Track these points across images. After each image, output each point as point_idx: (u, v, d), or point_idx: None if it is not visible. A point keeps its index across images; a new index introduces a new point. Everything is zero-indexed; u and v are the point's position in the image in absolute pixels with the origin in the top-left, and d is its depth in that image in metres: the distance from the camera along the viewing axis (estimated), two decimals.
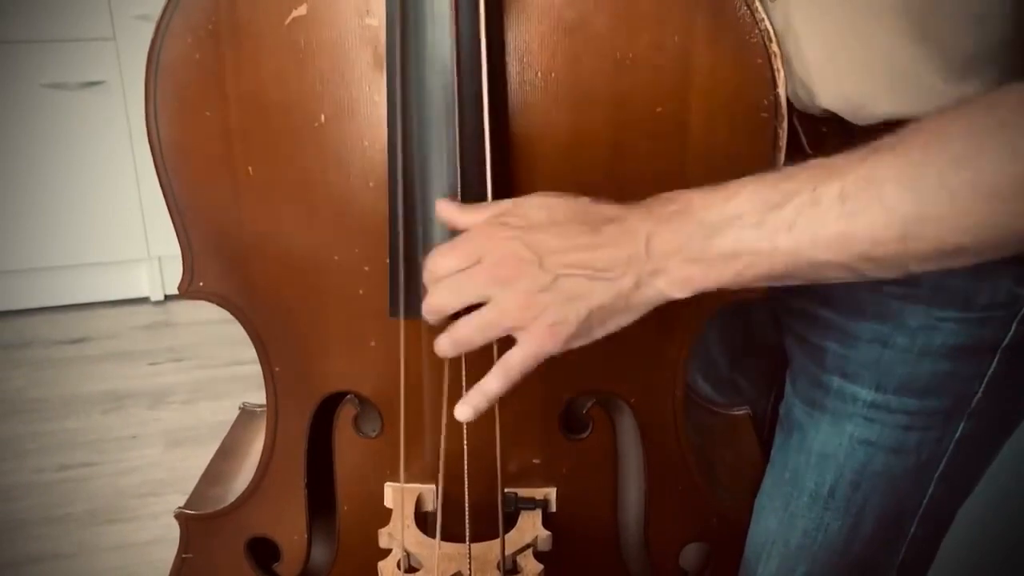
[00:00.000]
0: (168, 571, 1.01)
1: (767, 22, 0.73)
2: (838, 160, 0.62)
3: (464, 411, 0.72)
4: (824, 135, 0.80)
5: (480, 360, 0.82)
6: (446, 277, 0.69)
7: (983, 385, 0.84)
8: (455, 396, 0.83)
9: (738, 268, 0.64)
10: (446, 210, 0.73)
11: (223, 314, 0.88)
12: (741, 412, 1.09)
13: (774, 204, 0.62)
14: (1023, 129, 0.55)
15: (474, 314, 0.69)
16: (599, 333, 0.68)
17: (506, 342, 0.74)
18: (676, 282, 0.65)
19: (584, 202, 0.68)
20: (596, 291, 0.66)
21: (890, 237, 0.59)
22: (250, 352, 0.89)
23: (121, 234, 2.73)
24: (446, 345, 0.71)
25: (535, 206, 0.69)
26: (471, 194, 0.75)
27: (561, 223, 0.67)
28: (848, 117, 0.77)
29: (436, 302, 0.70)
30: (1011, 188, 0.56)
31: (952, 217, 0.58)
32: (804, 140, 0.82)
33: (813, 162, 0.63)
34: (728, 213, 0.63)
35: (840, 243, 0.61)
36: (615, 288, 0.66)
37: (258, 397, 0.95)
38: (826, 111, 0.78)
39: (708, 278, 0.65)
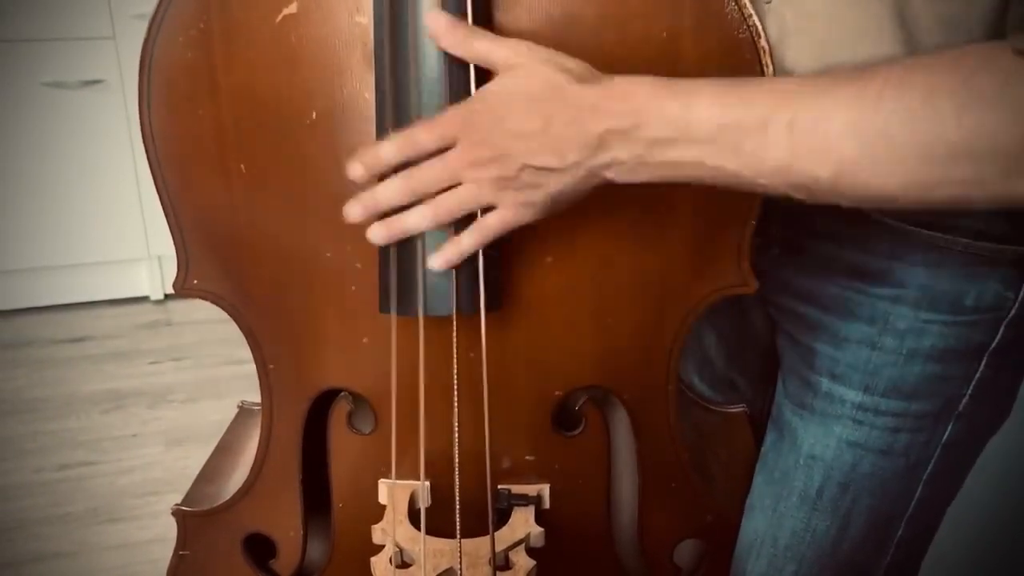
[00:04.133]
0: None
1: (755, 18, 0.73)
2: (797, 85, 0.66)
3: (438, 260, 0.77)
4: None
5: (470, 359, 0.83)
6: (424, 152, 0.73)
7: (971, 388, 0.84)
8: (446, 394, 0.84)
9: (682, 174, 0.68)
10: (433, 20, 0.73)
11: (223, 313, 0.88)
12: (737, 410, 1.09)
13: (725, 125, 0.65)
14: (975, 97, 0.57)
15: (455, 190, 0.73)
16: (563, 206, 0.74)
17: (500, 342, 0.78)
18: (623, 174, 0.70)
19: (557, 86, 0.69)
20: (554, 181, 0.71)
21: (825, 175, 0.63)
22: (250, 351, 0.89)
23: (121, 233, 2.73)
24: (426, 214, 0.74)
25: (509, 93, 0.71)
26: None
27: (527, 115, 0.69)
28: None
29: (426, 176, 0.73)
30: (946, 154, 0.58)
31: (886, 166, 0.61)
32: None
33: (774, 85, 0.67)
34: (680, 126, 0.66)
35: (779, 173, 0.64)
36: (571, 178, 0.70)
37: (258, 396, 0.95)
38: None
39: (653, 175, 0.69)
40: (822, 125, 0.62)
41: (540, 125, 0.69)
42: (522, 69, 0.70)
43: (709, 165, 0.66)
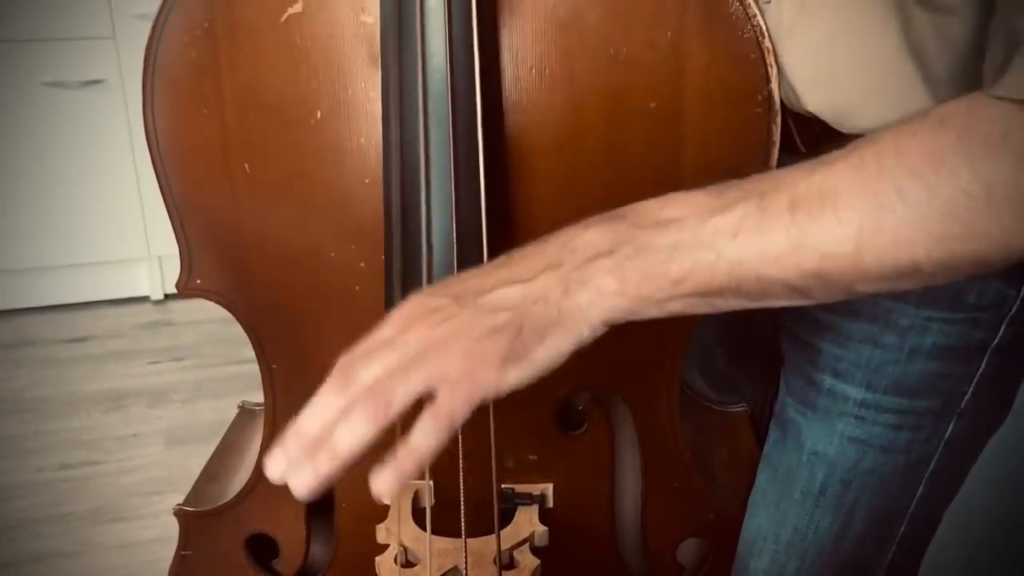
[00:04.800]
0: None
1: (760, 18, 0.73)
2: (787, 172, 0.59)
3: (381, 483, 0.59)
4: (817, 135, 0.80)
5: None
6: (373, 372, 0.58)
7: (972, 386, 0.84)
8: None
9: (676, 275, 0.58)
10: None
11: (223, 313, 0.88)
12: (739, 409, 1.09)
13: (716, 209, 0.58)
14: (981, 146, 0.54)
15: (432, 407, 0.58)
16: (542, 355, 0.60)
17: None
18: (608, 286, 0.59)
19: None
20: (520, 297, 0.59)
21: (843, 252, 0.56)
22: (250, 351, 0.89)
23: (121, 233, 2.73)
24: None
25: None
26: (464, 191, 0.75)
27: (483, 270, 0.61)
28: (834, 124, 0.77)
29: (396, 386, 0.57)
30: (967, 208, 0.54)
31: (907, 232, 0.55)
32: (798, 139, 0.82)
33: (760, 175, 0.60)
34: (664, 216, 0.59)
35: (789, 256, 0.57)
36: (540, 296, 0.59)
37: (259, 396, 0.95)
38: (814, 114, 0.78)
39: (642, 286, 0.59)
40: (828, 199, 0.56)
41: (498, 262, 0.61)
42: None
43: (707, 256, 0.58)
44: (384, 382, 0.57)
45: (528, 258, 0.60)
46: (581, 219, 0.63)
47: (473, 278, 0.61)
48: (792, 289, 0.59)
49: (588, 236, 0.59)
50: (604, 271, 0.59)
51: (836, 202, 0.56)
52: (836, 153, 0.58)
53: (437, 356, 0.57)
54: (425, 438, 0.57)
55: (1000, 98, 0.56)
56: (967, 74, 0.69)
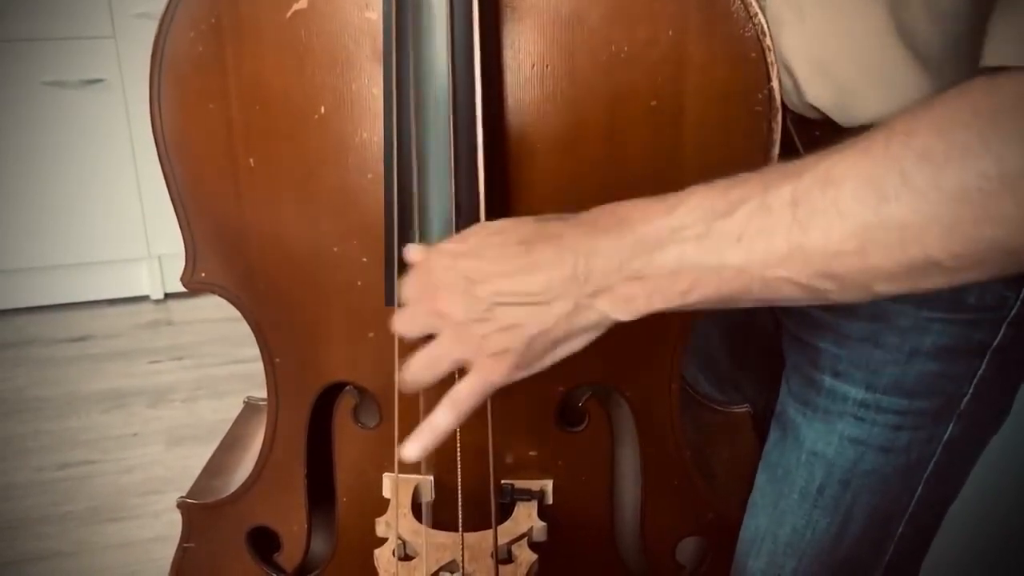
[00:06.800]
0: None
1: (760, 16, 0.74)
2: (796, 163, 0.57)
3: (413, 450, 0.72)
4: (817, 138, 0.80)
5: None
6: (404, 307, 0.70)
7: (972, 387, 0.84)
8: (448, 388, 0.84)
9: (683, 287, 0.59)
10: (410, 252, 0.72)
11: (224, 312, 0.89)
12: (741, 410, 1.09)
13: (720, 213, 0.57)
14: (994, 121, 0.51)
15: (423, 350, 0.68)
16: (548, 361, 0.66)
17: None
18: (618, 303, 0.62)
19: (526, 222, 0.65)
20: (533, 318, 0.63)
21: (849, 249, 0.54)
22: (251, 350, 0.90)
23: (121, 233, 2.73)
24: (405, 381, 0.71)
25: (475, 231, 0.67)
26: (464, 188, 0.76)
27: (496, 246, 0.64)
28: (835, 116, 0.77)
29: (400, 329, 0.71)
30: (979, 189, 0.51)
31: (917, 223, 0.52)
32: (798, 142, 0.83)
33: (770, 167, 0.59)
34: (670, 225, 0.59)
35: (794, 257, 0.56)
36: (552, 313, 0.62)
37: (261, 394, 0.96)
38: (817, 112, 0.78)
39: (652, 299, 0.61)
40: (830, 192, 0.54)
41: (519, 250, 0.63)
42: (502, 220, 0.67)
43: (712, 264, 0.58)
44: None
45: (544, 267, 0.62)
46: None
47: (494, 269, 0.64)
48: (805, 289, 0.57)
49: (602, 255, 0.61)
50: (613, 293, 0.61)
51: (839, 194, 0.54)
52: (848, 141, 0.56)
53: (459, 355, 0.67)
54: (444, 417, 0.70)
55: (1006, 68, 0.53)
56: (960, 52, 0.67)
